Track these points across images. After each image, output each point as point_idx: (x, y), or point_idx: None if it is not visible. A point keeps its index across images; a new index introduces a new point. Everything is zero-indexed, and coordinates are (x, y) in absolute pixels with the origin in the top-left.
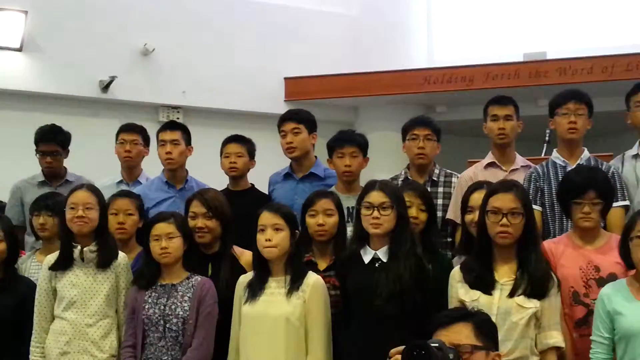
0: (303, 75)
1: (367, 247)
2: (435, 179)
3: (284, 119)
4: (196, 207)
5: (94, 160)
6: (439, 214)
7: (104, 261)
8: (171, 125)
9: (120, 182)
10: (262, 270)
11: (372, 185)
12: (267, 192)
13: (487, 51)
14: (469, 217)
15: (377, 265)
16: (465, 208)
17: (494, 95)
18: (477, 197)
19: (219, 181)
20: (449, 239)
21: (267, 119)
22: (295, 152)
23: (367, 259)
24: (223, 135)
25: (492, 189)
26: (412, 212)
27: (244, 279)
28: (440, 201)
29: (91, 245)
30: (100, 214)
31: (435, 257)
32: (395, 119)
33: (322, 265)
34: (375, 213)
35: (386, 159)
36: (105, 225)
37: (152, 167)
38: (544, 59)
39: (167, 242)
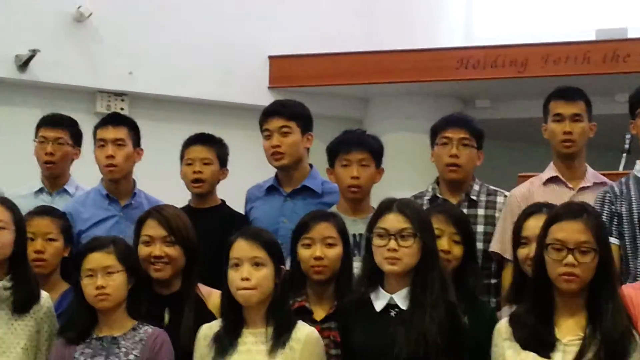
0: (294, 53)
1: (380, 289)
2: (474, 198)
3: (268, 113)
4: (153, 228)
5: (7, 161)
6: (479, 246)
7: (22, 303)
8: (114, 120)
9: (40, 191)
10: (235, 318)
11: (387, 206)
12: (243, 212)
13: (547, 26)
14: (522, 252)
15: (393, 314)
16: (517, 239)
17: (556, 87)
18: (533, 225)
19: (178, 196)
20: (493, 281)
21: (244, 112)
22: (283, 158)
23: (379, 305)
24: (185, 134)
25: (555, 215)
26: (443, 243)
27: (209, 330)
28: (480, 228)
29: (4, 279)
30: (16, 237)
31: (474, 306)
32: (419, 116)
33: (320, 313)
34: (392, 244)
35: (407, 171)
36: (24, 252)
37: (85, 173)
38: (623, 38)
39: (105, 279)
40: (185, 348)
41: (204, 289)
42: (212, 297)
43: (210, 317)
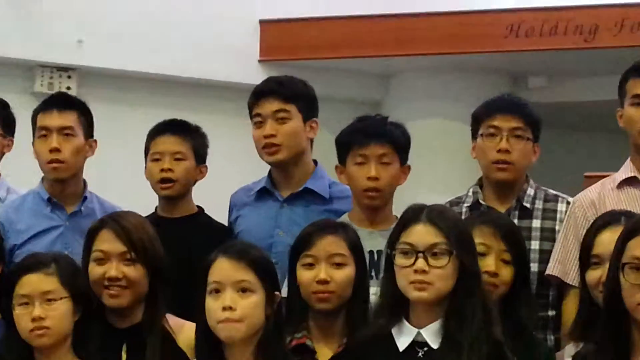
0: (292, 17)
1: (405, 322)
2: (527, 205)
3: (260, 94)
4: (108, 242)
5: None
6: (534, 267)
7: None
8: (59, 102)
9: None
10: (214, 358)
11: (415, 215)
12: (226, 222)
13: None
14: (592, 275)
15: (421, 355)
16: (586, 258)
17: (635, 60)
18: (607, 240)
19: (141, 203)
20: (551, 313)
21: (228, 93)
22: (279, 152)
23: (404, 343)
24: (150, 121)
25: (634, 227)
26: (489, 263)
27: None
28: (535, 245)
29: None
30: None
31: (526, 345)
32: (455, 98)
33: (325, 353)
34: (420, 263)
35: (439, 170)
36: None
37: (20, 172)
38: None
39: (44, 308)
40: None
41: (172, 321)
42: (183, 330)
43: (179, 357)
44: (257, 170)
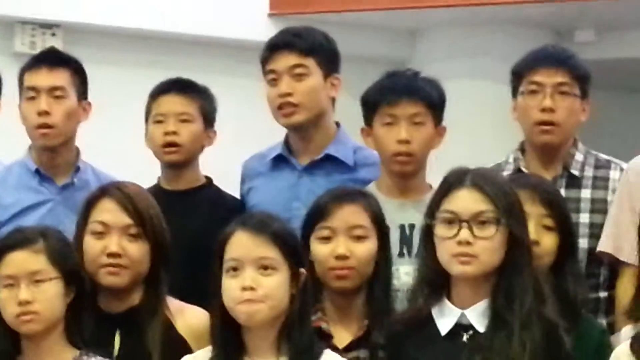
0: None
1: (447, 302)
2: (576, 173)
3: (274, 47)
4: (109, 212)
5: None
6: (583, 244)
7: None
8: (50, 59)
9: None
10: (232, 346)
11: (457, 179)
12: (237, 194)
13: None
14: None
15: (465, 339)
16: None
17: None
18: None
19: (140, 175)
20: (603, 294)
21: (235, 51)
22: (296, 113)
23: (446, 326)
24: (147, 84)
25: None
26: (530, 230)
27: None
28: (585, 217)
29: None
30: None
31: (577, 324)
32: (491, 55)
33: (343, 338)
34: (465, 234)
35: (474, 134)
36: None
37: (6, 141)
38: None
39: (31, 290)
40: None
41: (172, 305)
42: (184, 315)
43: (179, 346)
44: (270, 136)
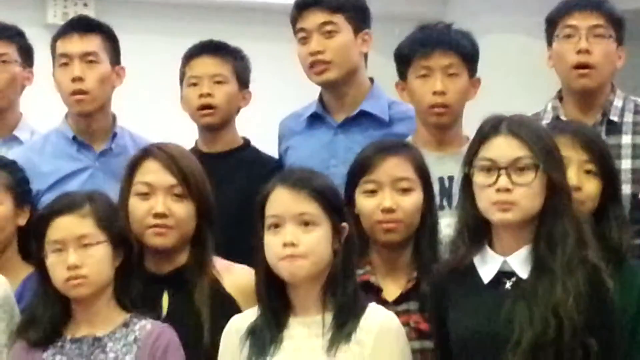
0: None
1: (488, 250)
2: (615, 119)
3: (303, 5)
4: (154, 173)
5: None
6: (626, 189)
7: None
8: (81, 26)
9: None
10: (277, 303)
11: (494, 126)
12: (275, 154)
13: None
14: None
15: (508, 286)
16: None
17: None
18: None
19: (178, 140)
20: None
21: (264, 14)
22: (328, 70)
23: (488, 274)
24: (179, 52)
25: None
26: (570, 176)
27: (240, 322)
28: (627, 163)
29: None
30: None
31: (621, 270)
32: (522, 10)
33: (392, 291)
34: (503, 180)
35: (508, 88)
36: None
37: (42, 111)
38: None
39: (79, 254)
40: (194, 345)
41: (218, 264)
42: (231, 273)
43: (228, 304)
44: (304, 95)
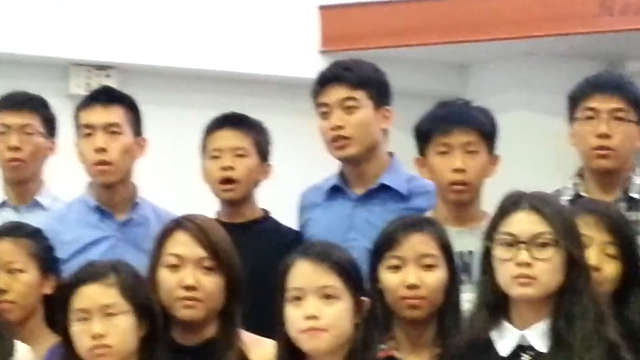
0: (355, 1)
1: (506, 324)
2: (636, 196)
3: (325, 80)
4: (184, 245)
5: None
6: None
7: None
8: (104, 96)
9: (2, 205)
10: None
11: (515, 202)
12: (295, 225)
13: None
14: None
15: (526, 359)
16: None
17: None
18: None
19: (198, 211)
20: None
21: (286, 89)
22: (349, 145)
23: (506, 348)
24: (201, 123)
25: None
26: (591, 256)
27: None
28: None
29: None
30: None
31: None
32: (543, 87)
33: None
34: (524, 255)
35: (528, 165)
36: None
37: (64, 180)
38: None
39: (104, 323)
40: None
41: (246, 337)
42: (260, 348)
43: None
44: (323, 169)
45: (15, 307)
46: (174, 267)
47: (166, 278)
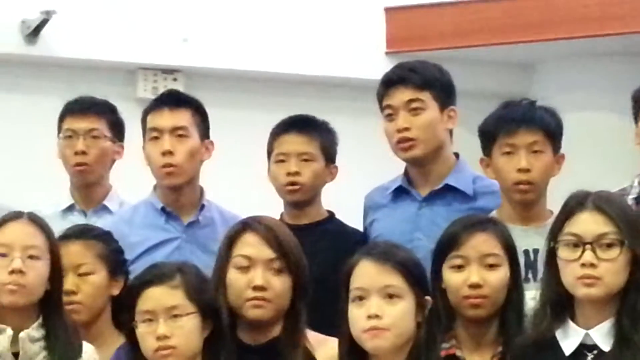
0: (421, 2)
1: (571, 324)
2: None
3: (390, 82)
4: (253, 246)
5: (17, 169)
6: None
7: None
8: (171, 100)
9: (70, 209)
10: None
11: (580, 202)
12: (360, 226)
13: None
14: None
15: (590, 358)
16: None
17: None
18: None
19: (265, 213)
20: None
21: (352, 91)
22: (414, 147)
23: (570, 347)
24: (267, 125)
25: None
26: None
27: None
28: None
29: (32, 327)
30: (51, 269)
31: None
32: (611, 86)
33: None
34: (588, 256)
35: (595, 165)
36: (59, 289)
37: (131, 182)
38: None
39: (169, 325)
40: None
41: (312, 336)
42: (325, 347)
43: None
44: (389, 171)
45: (83, 308)
46: (244, 269)
47: (236, 279)
